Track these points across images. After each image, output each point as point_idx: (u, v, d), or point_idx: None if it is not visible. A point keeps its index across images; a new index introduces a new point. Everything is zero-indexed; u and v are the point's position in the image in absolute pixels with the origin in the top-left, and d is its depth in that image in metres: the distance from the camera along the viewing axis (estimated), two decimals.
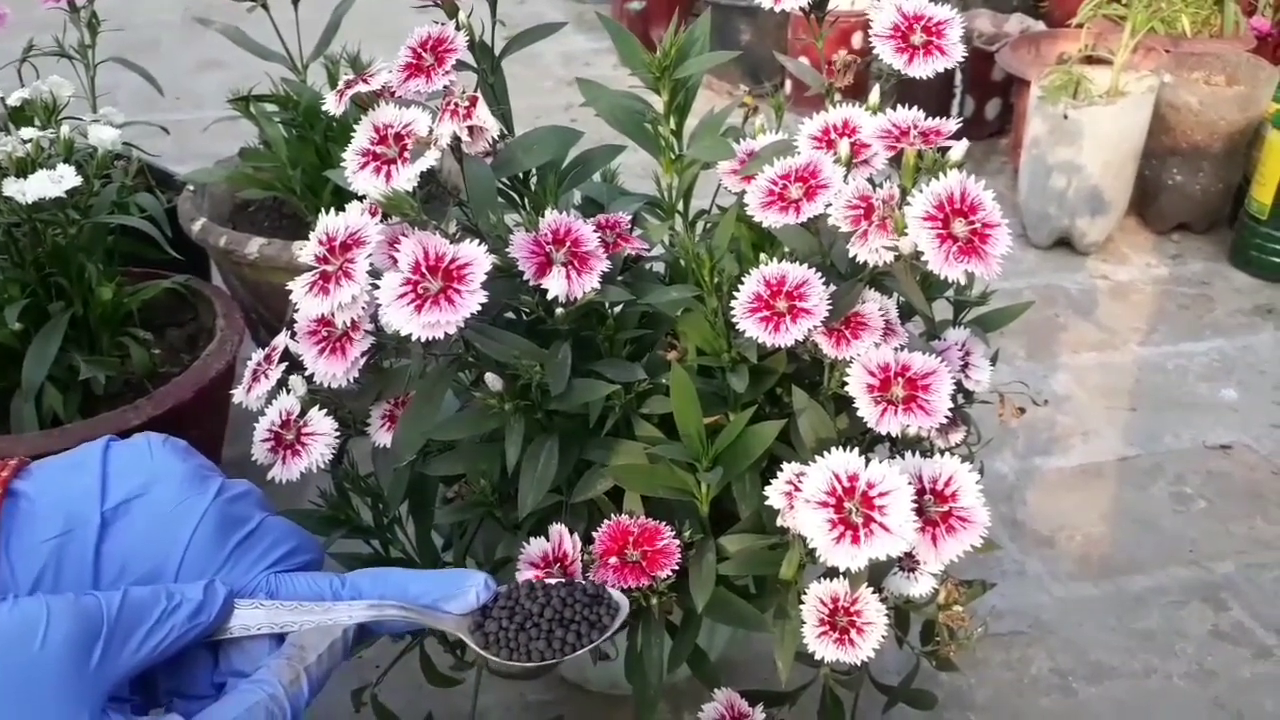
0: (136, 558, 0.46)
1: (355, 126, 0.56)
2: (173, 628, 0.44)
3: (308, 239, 0.54)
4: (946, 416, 0.54)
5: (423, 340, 0.50)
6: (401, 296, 0.50)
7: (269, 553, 0.49)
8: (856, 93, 0.66)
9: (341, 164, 0.55)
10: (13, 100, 0.93)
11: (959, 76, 1.87)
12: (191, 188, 1.15)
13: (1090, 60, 1.53)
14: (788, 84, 1.95)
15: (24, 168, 0.81)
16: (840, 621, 0.56)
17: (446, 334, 0.50)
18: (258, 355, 0.64)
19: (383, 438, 0.64)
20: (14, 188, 0.79)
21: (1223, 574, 0.98)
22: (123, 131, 0.93)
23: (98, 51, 1.10)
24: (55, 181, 0.80)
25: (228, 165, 1.16)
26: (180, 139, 1.29)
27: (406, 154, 0.53)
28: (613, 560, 0.57)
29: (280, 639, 0.48)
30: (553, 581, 0.53)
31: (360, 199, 0.55)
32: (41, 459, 0.48)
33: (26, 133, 0.85)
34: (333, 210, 0.55)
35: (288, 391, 0.62)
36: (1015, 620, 0.93)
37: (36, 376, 0.84)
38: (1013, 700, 0.85)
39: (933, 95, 1.80)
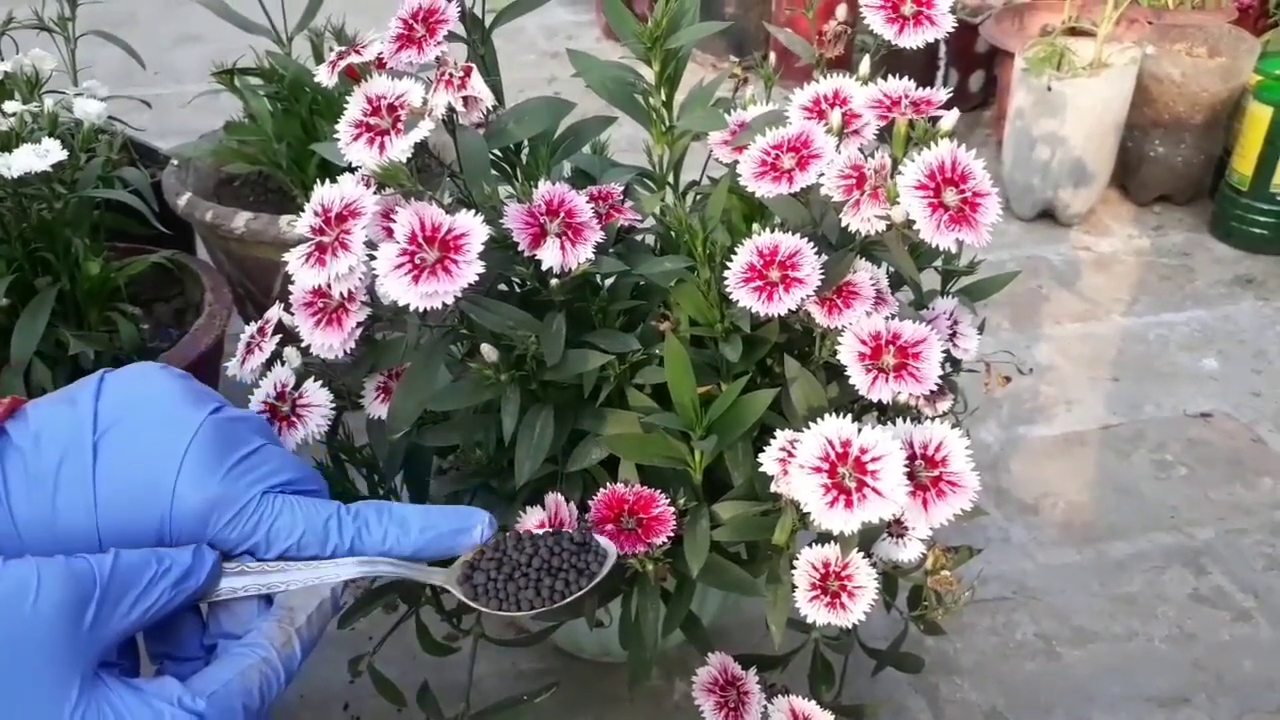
0: (133, 473, 0.45)
1: (342, 100, 0.56)
2: (162, 591, 0.44)
3: (294, 213, 0.54)
4: (936, 384, 0.55)
5: (419, 311, 0.51)
6: (399, 267, 0.50)
7: (269, 476, 0.48)
8: (840, 67, 0.66)
9: (332, 136, 0.55)
10: None
11: (943, 49, 1.87)
12: (176, 162, 1.14)
13: (1074, 32, 1.54)
14: (771, 57, 1.94)
15: (8, 142, 0.80)
16: (832, 586, 0.57)
17: (444, 304, 0.50)
18: (251, 328, 0.64)
19: (378, 409, 0.64)
20: None
21: (1203, 539, 1.00)
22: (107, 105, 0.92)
23: (75, 25, 1.09)
24: (40, 156, 0.79)
25: (212, 139, 1.15)
26: (159, 114, 1.28)
27: (400, 125, 0.53)
28: (609, 527, 0.58)
29: (269, 600, 0.49)
30: (540, 531, 0.53)
31: (347, 172, 0.55)
32: (37, 398, 0.47)
33: (10, 106, 0.84)
34: (323, 183, 0.55)
35: (282, 364, 0.62)
36: (1000, 586, 0.94)
37: (25, 352, 0.84)
38: (997, 664, 0.87)
39: (917, 68, 1.79)
